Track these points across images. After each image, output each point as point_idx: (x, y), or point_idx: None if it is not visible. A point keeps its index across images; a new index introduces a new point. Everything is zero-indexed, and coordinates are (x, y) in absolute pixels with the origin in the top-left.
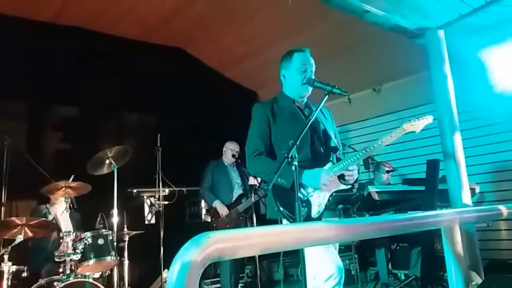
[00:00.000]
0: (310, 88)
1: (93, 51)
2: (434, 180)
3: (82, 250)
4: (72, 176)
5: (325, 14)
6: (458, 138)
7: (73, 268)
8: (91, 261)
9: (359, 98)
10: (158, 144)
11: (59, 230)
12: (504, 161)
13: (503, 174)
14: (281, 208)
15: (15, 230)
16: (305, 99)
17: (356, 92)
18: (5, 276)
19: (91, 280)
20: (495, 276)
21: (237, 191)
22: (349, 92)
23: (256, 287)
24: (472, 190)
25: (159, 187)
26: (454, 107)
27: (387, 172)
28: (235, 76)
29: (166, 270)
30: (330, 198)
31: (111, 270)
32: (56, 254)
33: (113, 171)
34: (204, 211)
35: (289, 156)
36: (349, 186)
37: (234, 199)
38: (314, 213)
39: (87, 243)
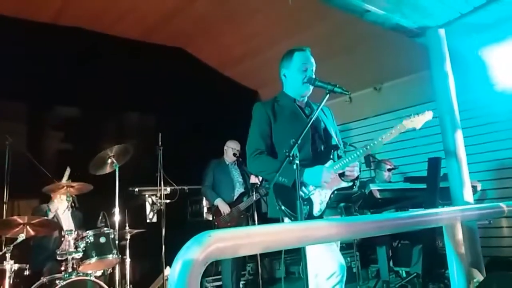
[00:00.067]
0: (311, 87)
1: (93, 51)
2: (435, 178)
3: (84, 249)
4: (68, 170)
5: (326, 14)
6: (459, 136)
7: (75, 266)
8: (93, 260)
9: (360, 97)
10: (160, 143)
11: (61, 228)
12: (506, 158)
13: (504, 172)
14: (283, 207)
15: (17, 229)
16: (306, 98)
17: (357, 91)
18: (7, 274)
19: (93, 279)
20: (497, 273)
21: (239, 189)
22: (350, 91)
23: (258, 285)
24: (474, 187)
25: (160, 185)
26: (455, 105)
27: (389, 170)
28: (236, 76)
29: (168, 268)
30: (332, 196)
31: (113, 269)
32: (58, 252)
33: (114, 170)
34: (205, 210)
35: (291, 154)
36: (350, 184)
37: (235, 197)
38: (316, 211)
39: (89, 241)
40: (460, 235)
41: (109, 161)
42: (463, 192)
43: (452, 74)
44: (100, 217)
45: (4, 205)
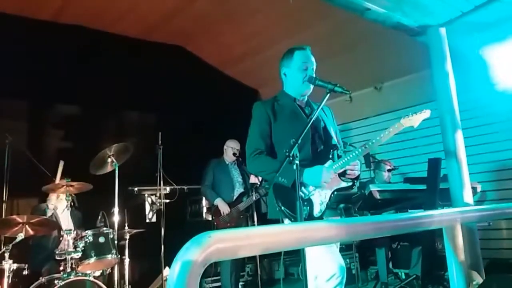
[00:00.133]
0: (311, 86)
1: (93, 49)
2: (435, 179)
3: (83, 248)
4: (61, 163)
5: (326, 13)
6: (459, 137)
7: (73, 266)
8: (92, 259)
9: (360, 96)
10: (159, 142)
11: (60, 228)
12: (506, 159)
13: (504, 173)
14: (283, 208)
15: (16, 228)
16: (306, 98)
17: (357, 91)
18: (6, 274)
19: (91, 279)
20: (496, 275)
21: (238, 189)
22: (350, 91)
23: (257, 286)
24: (474, 189)
25: (160, 185)
26: (456, 105)
27: (388, 170)
28: (236, 74)
29: (167, 268)
30: (332, 196)
31: (112, 269)
32: (57, 252)
33: (114, 170)
34: (205, 210)
35: (291, 154)
36: (350, 184)
37: (235, 197)
38: (316, 212)
39: (88, 241)
40: (460, 237)
41: (109, 160)
42: (463, 193)
43: (453, 74)
44: (99, 217)
45: (3, 204)
